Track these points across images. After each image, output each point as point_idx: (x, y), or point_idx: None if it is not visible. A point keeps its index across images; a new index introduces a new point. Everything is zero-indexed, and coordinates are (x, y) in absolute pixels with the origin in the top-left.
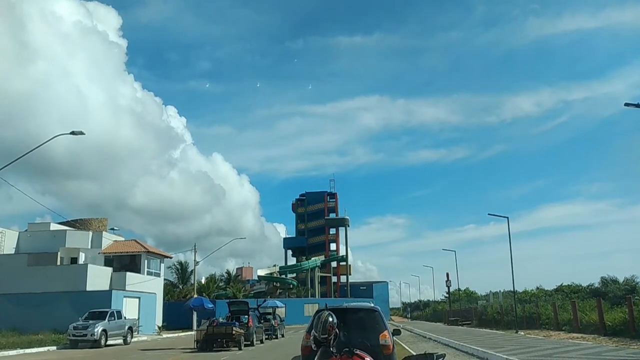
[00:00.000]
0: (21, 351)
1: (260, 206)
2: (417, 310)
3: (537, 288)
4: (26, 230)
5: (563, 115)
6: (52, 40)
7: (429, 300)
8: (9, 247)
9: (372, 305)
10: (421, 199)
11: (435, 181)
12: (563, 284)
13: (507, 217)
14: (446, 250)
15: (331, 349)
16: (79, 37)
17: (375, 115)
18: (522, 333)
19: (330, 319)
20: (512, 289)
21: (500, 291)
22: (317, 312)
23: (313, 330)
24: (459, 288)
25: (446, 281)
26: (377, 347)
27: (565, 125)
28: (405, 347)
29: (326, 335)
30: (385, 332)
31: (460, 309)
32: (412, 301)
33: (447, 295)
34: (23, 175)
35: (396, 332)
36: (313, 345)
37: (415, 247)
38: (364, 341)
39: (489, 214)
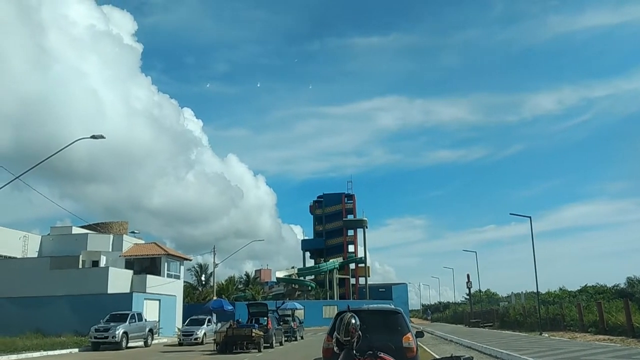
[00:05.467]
0: (44, 353)
1: (277, 208)
2: (437, 312)
3: (560, 289)
4: (48, 234)
5: (585, 113)
6: (69, 44)
7: (448, 302)
8: (32, 251)
9: (395, 307)
10: (440, 200)
11: (454, 181)
12: (587, 285)
13: (530, 217)
14: (467, 251)
15: (354, 351)
16: (95, 41)
17: (392, 115)
18: (547, 335)
19: (353, 321)
20: (534, 290)
21: (522, 292)
22: (339, 314)
23: (335, 333)
24: (479, 289)
25: (467, 282)
26: (401, 349)
27: (587, 123)
28: (427, 349)
29: (349, 338)
30: (409, 335)
31: (481, 310)
32: (432, 303)
33: (467, 297)
34: (42, 178)
35: (419, 335)
36: (335, 348)
37: (434, 248)
38: (388, 343)
39: (510, 214)
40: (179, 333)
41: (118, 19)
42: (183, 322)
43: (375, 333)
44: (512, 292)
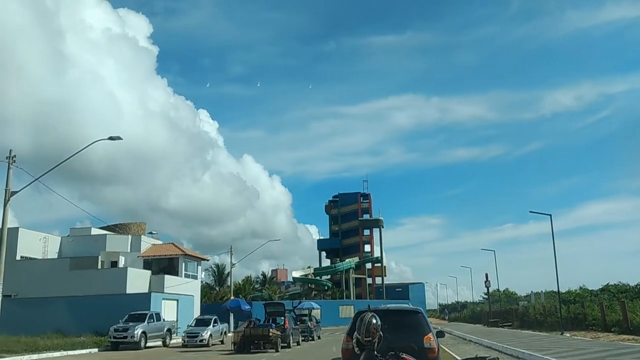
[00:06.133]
0: (64, 353)
1: (292, 208)
2: (455, 311)
3: (581, 288)
4: (68, 235)
5: (605, 109)
6: (86, 48)
7: (466, 302)
8: (52, 252)
9: (414, 306)
10: (457, 199)
11: (471, 180)
12: (609, 284)
13: (550, 215)
14: (485, 250)
15: (375, 352)
16: (111, 44)
17: (408, 114)
18: (568, 335)
19: (374, 321)
20: (553, 289)
21: (541, 291)
22: (359, 313)
23: (356, 333)
24: (498, 289)
25: (485, 282)
26: (422, 350)
27: (607, 119)
28: (447, 350)
29: (370, 338)
30: (430, 335)
31: (500, 310)
32: (449, 302)
33: (485, 296)
34: (61, 181)
35: (440, 335)
36: (356, 349)
37: (450, 248)
38: (410, 344)
39: (530, 212)
40: (183, 334)
41: (134, 22)
42: None
43: (396, 333)
44: (532, 291)
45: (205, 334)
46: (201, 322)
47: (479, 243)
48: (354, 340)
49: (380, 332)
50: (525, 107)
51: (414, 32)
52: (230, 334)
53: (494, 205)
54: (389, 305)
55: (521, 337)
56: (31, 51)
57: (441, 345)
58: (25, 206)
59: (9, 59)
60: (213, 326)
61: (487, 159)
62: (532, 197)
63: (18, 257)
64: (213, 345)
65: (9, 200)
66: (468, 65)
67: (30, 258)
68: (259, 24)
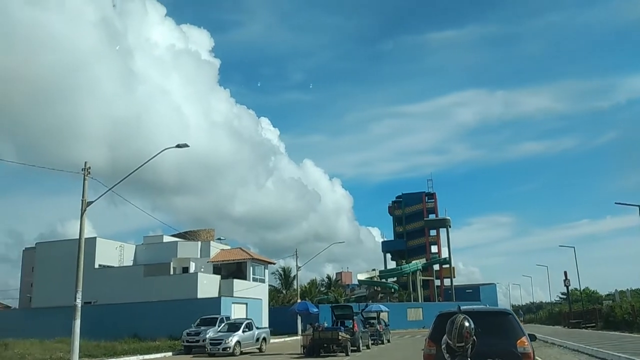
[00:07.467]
0: (141, 357)
1: (354, 210)
2: (529, 312)
3: None
4: (142, 244)
5: None
6: (152, 65)
7: (541, 302)
8: (128, 259)
9: (505, 308)
10: (527, 195)
11: (542, 175)
12: None
13: (639, 206)
14: (563, 246)
15: (469, 359)
16: (175, 59)
17: (472, 109)
18: None
19: (467, 324)
20: (639, 287)
21: (627, 289)
22: (447, 315)
23: (446, 337)
24: (579, 287)
25: (564, 280)
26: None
27: None
28: None
29: (463, 344)
30: (524, 339)
31: (581, 310)
32: (522, 303)
33: (563, 296)
34: (135, 192)
35: (532, 338)
36: (446, 355)
37: (521, 247)
38: (511, 349)
39: (616, 203)
40: (207, 341)
41: (196, 37)
42: (269, 325)
43: (485, 337)
44: (616, 290)
45: (230, 341)
46: (232, 327)
47: (552, 240)
48: (443, 346)
49: (474, 337)
50: (598, 96)
51: (474, 25)
52: (297, 338)
53: (567, 200)
54: (474, 307)
55: (610, 339)
56: (103, 71)
57: None
58: (103, 218)
59: (83, 80)
60: (243, 332)
61: (559, 152)
62: (609, 190)
63: (96, 266)
64: (243, 354)
65: (85, 210)
66: (533, 56)
67: (108, 266)
68: (315, 29)
